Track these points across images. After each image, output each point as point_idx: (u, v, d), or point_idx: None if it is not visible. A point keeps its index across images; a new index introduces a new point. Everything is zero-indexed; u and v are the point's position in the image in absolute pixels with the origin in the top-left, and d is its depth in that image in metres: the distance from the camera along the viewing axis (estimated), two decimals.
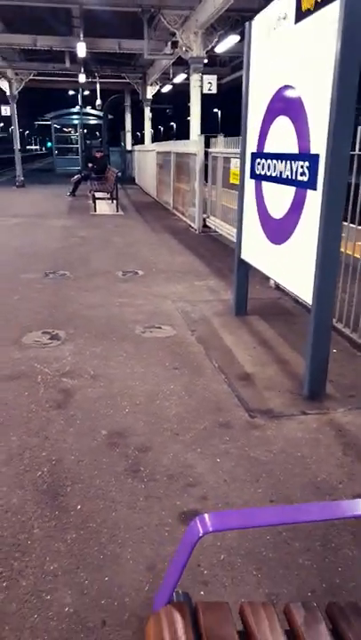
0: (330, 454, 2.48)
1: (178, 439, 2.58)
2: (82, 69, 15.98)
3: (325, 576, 1.76)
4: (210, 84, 10.41)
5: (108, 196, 11.85)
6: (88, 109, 23.91)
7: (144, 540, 1.91)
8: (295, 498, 2.16)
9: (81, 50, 12.50)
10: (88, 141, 24.05)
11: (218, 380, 3.24)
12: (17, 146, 17.88)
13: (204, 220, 8.96)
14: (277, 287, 5.02)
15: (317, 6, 2.79)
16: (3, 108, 17.43)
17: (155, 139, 20.60)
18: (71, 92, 25.40)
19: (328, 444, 2.56)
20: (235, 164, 6.37)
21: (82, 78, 16.96)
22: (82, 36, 12.06)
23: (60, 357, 3.53)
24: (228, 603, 1.10)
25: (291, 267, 3.33)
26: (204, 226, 8.92)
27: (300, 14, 3.01)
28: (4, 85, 16.67)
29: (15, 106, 17.13)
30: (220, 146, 8.02)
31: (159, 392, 3.07)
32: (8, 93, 16.78)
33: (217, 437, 2.60)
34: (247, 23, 3.93)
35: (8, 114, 17.29)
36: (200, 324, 4.29)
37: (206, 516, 1.06)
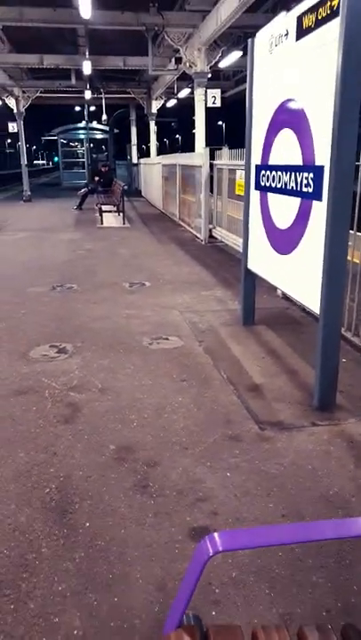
0: (341, 466, 2.43)
1: (187, 453, 2.54)
2: (87, 86, 16.23)
3: (341, 595, 1.71)
4: (214, 97, 10.51)
5: (115, 208, 11.93)
6: (94, 124, 24.23)
7: (154, 557, 1.87)
8: (307, 512, 2.12)
9: (87, 67, 12.71)
10: (94, 155, 24.32)
11: (227, 392, 3.21)
12: (24, 161, 18.13)
13: (210, 230, 8.98)
14: (285, 297, 4.99)
15: (318, 24, 2.82)
16: (10, 124, 17.71)
17: (160, 151, 20.78)
18: (77, 108, 25.76)
19: (339, 457, 2.52)
20: (240, 176, 6.39)
21: (88, 94, 17.22)
22: (87, 54, 12.27)
23: (67, 371, 3.52)
24: (240, 626, 1.07)
25: (298, 276, 3.31)
26: (210, 236, 8.94)
27: (302, 31, 3.04)
28: (12, 103, 16.95)
29: (22, 122, 17.40)
30: (225, 158, 8.06)
31: (167, 405, 3.04)
32: (15, 111, 17.06)
33: (227, 451, 2.56)
34: (250, 40, 3.97)
35: (16, 130, 17.55)
36: (208, 334, 4.27)
37: (216, 534, 1.03)
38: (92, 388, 3.27)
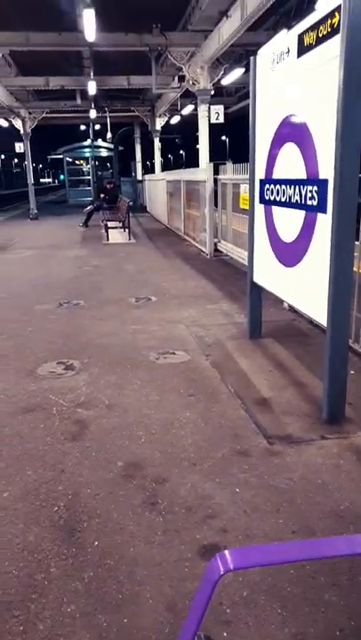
0: (351, 480, 2.40)
1: (195, 469, 2.52)
2: (92, 105, 16.52)
3: (354, 613, 1.68)
4: (217, 113, 10.65)
5: (120, 225, 12.04)
6: (99, 142, 24.58)
7: (163, 577, 1.85)
8: (318, 528, 2.08)
9: (91, 88, 12.96)
10: (99, 172, 24.64)
11: (234, 406, 3.19)
12: (30, 180, 18.42)
13: (215, 244, 9.02)
14: (291, 309, 4.98)
15: (319, 41, 2.87)
16: (17, 145, 18.03)
17: (164, 167, 21.01)
18: (82, 127, 26.19)
19: (349, 470, 2.48)
20: (244, 190, 6.44)
21: (93, 114, 17.52)
22: (92, 74, 12.51)
23: (74, 388, 3.52)
24: None
25: (304, 289, 3.30)
26: (216, 250, 8.97)
27: (303, 49, 3.09)
28: (18, 124, 17.28)
29: (28, 143, 17.71)
30: (229, 172, 8.14)
31: (175, 420, 3.03)
32: (22, 131, 17.38)
33: (235, 466, 2.54)
34: (252, 58, 4.04)
35: (22, 150, 17.85)
36: (214, 348, 4.26)
37: (227, 552, 1.01)
38: (99, 405, 3.26)
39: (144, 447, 2.74)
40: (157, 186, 16.11)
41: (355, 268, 3.05)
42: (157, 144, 19.55)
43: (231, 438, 2.80)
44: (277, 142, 3.63)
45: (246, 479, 2.42)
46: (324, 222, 2.88)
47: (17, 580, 1.85)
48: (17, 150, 18.35)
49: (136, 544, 2.02)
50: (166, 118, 19.06)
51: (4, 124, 17.91)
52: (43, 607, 1.72)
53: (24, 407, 3.25)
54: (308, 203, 3.11)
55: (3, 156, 57.69)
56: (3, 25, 9.50)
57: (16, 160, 62.20)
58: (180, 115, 18.36)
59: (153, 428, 2.95)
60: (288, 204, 3.45)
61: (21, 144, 17.74)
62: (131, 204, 12.60)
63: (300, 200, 3.23)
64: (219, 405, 3.21)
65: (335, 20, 2.65)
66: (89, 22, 8.05)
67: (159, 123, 19.02)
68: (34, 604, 1.73)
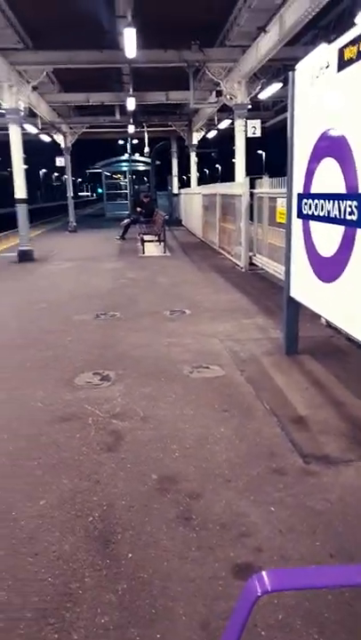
0: None
1: (230, 485, 2.50)
2: (131, 120, 16.89)
3: None
4: (254, 128, 10.67)
5: (156, 238, 12.18)
6: (136, 157, 25.04)
7: (197, 594, 1.83)
8: (357, 553, 2.02)
9: (131, 104, 13.26)
10: (136, 186, 25.07)
11: (270, 424, 3.15)
12: (70, 194, 18.92)
13: (251, 258, 9.00)
14: (329, 325, 4.90)
15: (360, 55, 2.85)
16: (57, 159, 18.59)
17: (200, 181, 21.19)
18: (120, 142, 26.79)
19: None
20: (281, 204, 6.41)
21: (131, 129, 17.91)
22: (131, 90, 12.81)
23: (110, 398, 3.57)
24: None
25: (343, 304, 3.25)
26: (251, 264, 8.95)
27: (343, 63, 3.08)
28: (59, 139, 17.84)
29: (69, 157, 18.24)
30: (266, 187, 8.13)
31: (209, 435, 3.01)
32: (63, 146, 17.94)
33: (270, 484, 2.50)
34: (290, 73, 4.05)
35: (62, 165, 18.40)
36: (249, 363, 4.23)
37: (264, 573, 1.00)
38: (133, 416, 3.29)
39: (178, 461, 2.74)
40: (193, 199, 16.25)
41: None
42: (194, 158, 19.76)
43: (266, 456, 2.77)
44: (316, 156, 3.62)
45: (282, 498, 2.38)
46: None
47: (52, 587, 1.87)
48: (57, 164, 18.91)
49: (170, 559, 2.01)
50: (203, 133, 19.27)
51: (47, 138, 18.52)
52: (77, 617, 1.74)
53: (61, 416, 3.31)
54: (348, 218, 3.07)
55: (45, 170, 59.62)
56: (48, 45, 9.89)
57: (56, 174, 64.11)
58: (217, 129, 18.52)
59: (187, 442, 2.94)
60: (327, 219, 3.42)
61: (61, 158, 18.28)
62: (167, 217, 12.74)
63: (340, 215, 3.19)
64: (254, 422, 3.18)
65: None
66: (129, 40, 8.27)
67: (196, 137, 19.24)
68: (68, 613, 1.75)
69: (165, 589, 1.86)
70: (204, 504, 2.35)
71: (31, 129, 15.49)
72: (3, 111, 10.61)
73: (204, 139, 20.00)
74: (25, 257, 10.77)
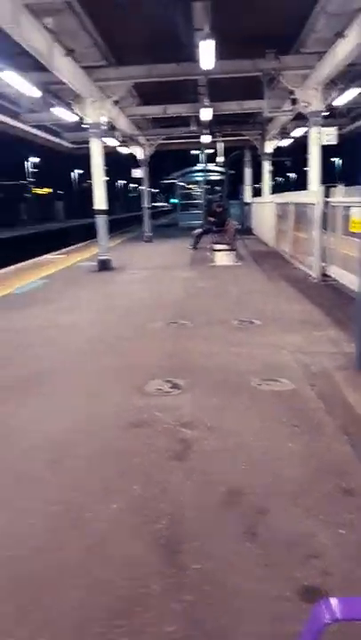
0: None
1: (298, 503, 2.46)
2: (206, 131, 17.13)
3: None
4: (329, 135, 10.42)
5: (228, 247, 12.22)
6: (210, 166, 25.27)
7: (262, 613, 1.82)
8: None
9: (207, 114, 13.46)
10: (209, 196, 25.27)
11: (340, 441, 3.05)
12: (147, 204, 19.46)
13: (324, 268, 8.75)
14: None
15: None
16: (133, 170, 19.21)
17: (274, 190, 20.96)
18: (193, 152, 27.17)
19: None
20: (357, 213, 6.19)
21: (206, 139, 18.13)
22: (207, 101, 13.00)
23: (179, 406, 3.63)
24: None
25: None
26: (324, 275, 8.69)
27: None
28: (137, 151, 18.45)
29: (146, 168, 18.81)
30: (339, 195, 7.90)
31: (277, 450, 2.98)
32: (141, 158, 18.52)
33: (340, 505, 2.43)
34: None
35: (139, 176, 18.97)
36: (320, 377, 4.12)
37: (333, 600, 0.98)
38: (201, 426, 3.32)
39: (245, 474, 2.73)
40: (265, 208, 16.11)
41: None
42: (267, 167, 19.60)
43: (337, 475, 2.69)
44: None
45: (352, 520, 2.31)
46: None
47: (122, 590, 1.94)
48: (133, 175, 19.52)
49: (235, 574, 2.02)
50: (276, 141, 19.08)
51: (125, 151, 19.20)
52: (145, 622, 1.79)
53: (132, 422, 3.42)
54: None
55: (122, 182, 61.89)
56: (128, 60, 10.32)
57: (130, 185, 66.23)
58: (291, 137, 18.27)
59: (254, 455, 2.93)
60: None
61: (138, 170, 18.85)
62: (239, 226, 12.75)
63: None
64: (324, 438, 3.09)
65: None
66: (206, 52, 8.42)
67: (269, 146, 19.09)
68: (137, 618, 1.81)
69: (230, 605, 1.86)
70: (272, 520, 2.33)
71: (111, 142, 16.15)
72: (86, 126, 11.17)
73: (277, 147, 19.79)
74: (103, 266, 11.23)
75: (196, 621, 1.79)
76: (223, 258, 12.06)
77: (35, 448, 3.13)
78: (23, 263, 13.08)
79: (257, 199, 20.45)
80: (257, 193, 23.40)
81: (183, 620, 1.79)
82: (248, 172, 24.07)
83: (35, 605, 1.90)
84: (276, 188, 24.75)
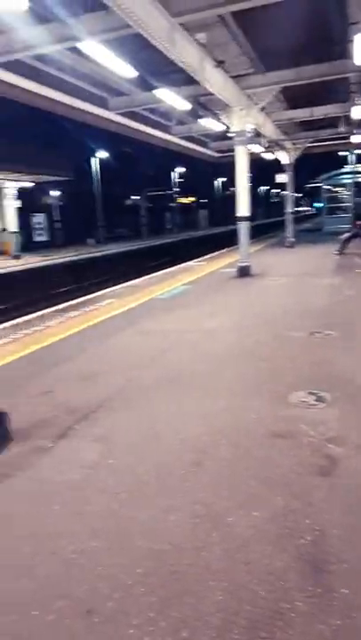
0: None
1: None
2: (358, 131, 16.20)
3: None
4: None
5: None
6: (359, 168, 23.83)
7: None
8: None
9: (358, 113, 12.71)
10: (358, 198, 23.81)
11: None
12: (291, 209, 19.08)
13: None
14: None
15: None
16: (277, 175, 18.93)
17: None
18: (340, 153, 25.82)
19: None
20: None
21: (356, 139, 17.14)
22: (359, 99, 12.28)
23: (325, 421, 3.46)
24: None
25: None
26: None
27: None
28: (282, 156, 18.18)
29: (291, 173, 18.45)
30: None
31: None
32: (286, 162, 18.21)
33: None
34: None
35: (283, 181, 18.67)
36: None
37: None
38: (349, 443, 3.12)
39: None
40: None
41: None
42: None
43: None
44: None
45: None
46: None
47: (264, 602, 1.91)
48: (277, 180, 19.25)
49: None
50: None
51: (269, 156, 19.05)
52: (288, 638, 1.73)
53: (276, 432, 3.35)
54: None
55: (265, 188, 61.73)
56: (275, 65, 10.22)
57: (272, 190, 65.59)
58: None
59: None
60: None
61: (282, 175, 18.54)
62: None
63: None
64: None
65: None
66: None
67: None
68: (279, 632, 1.76)
69: None
70: None
71: (256, 148, 16.17)
72: (232, 134, 11.35)
73: None
74: (243, 272, 11.27)
75: None
76: None
77: (176, 449, 3.22)
78: (168, 270, 13.76)
79: None
80: None
81: None
82: None
83: (177, 600, 1.95)
84: None
